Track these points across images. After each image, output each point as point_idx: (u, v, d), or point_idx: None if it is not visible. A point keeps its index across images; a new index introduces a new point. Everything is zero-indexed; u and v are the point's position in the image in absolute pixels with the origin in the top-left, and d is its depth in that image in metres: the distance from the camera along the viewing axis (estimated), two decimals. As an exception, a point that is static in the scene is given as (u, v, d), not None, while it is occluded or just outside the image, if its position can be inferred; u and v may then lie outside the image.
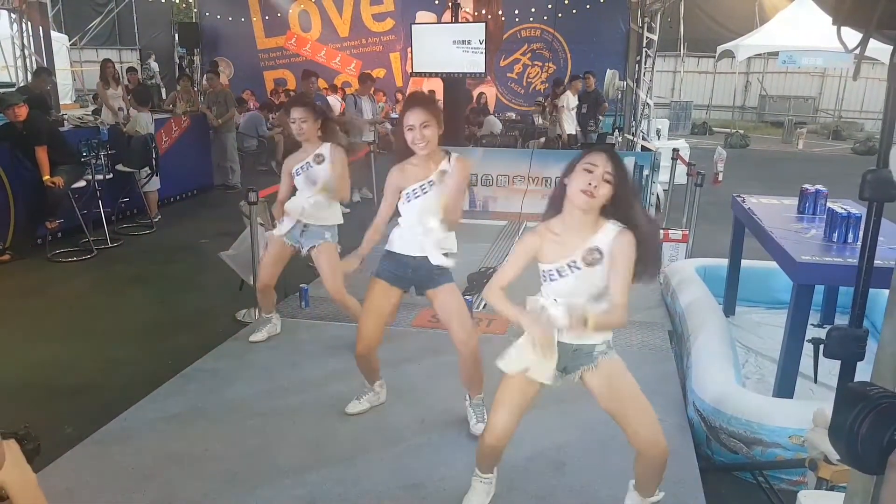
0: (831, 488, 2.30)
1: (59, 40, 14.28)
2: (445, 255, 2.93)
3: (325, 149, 3.82)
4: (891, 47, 2.19)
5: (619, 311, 2.19)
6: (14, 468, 1.17)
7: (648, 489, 2.50)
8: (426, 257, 2.93)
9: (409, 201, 2.95)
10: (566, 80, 12.30)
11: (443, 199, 2.85)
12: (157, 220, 7.76)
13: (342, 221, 3.98)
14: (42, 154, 6.09)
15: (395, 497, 2.76)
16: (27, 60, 9.50)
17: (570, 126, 10.54)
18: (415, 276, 3.04)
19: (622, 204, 2.22)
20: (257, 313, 4.72)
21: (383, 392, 3.48)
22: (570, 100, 10.56)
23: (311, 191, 3.83)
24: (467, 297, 4.65)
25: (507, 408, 2.39)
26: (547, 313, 2.23)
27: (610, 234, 2.22)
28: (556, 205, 2.31)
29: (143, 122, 7.41)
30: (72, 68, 17.31)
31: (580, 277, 2.23)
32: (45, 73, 8.56)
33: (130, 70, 11.49)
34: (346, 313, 4.15)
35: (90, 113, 8.97)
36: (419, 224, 2.91)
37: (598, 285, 2.24)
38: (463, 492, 2.71)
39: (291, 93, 13.12)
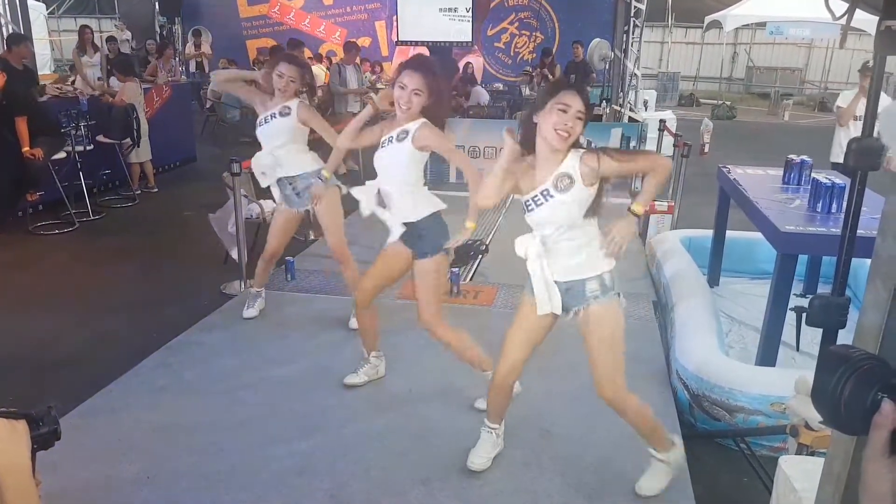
0: (812, 454, 2.34)
1: (37, 9, 13.90)
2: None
3: (293, 103, 3.75)
4: (877, 18, 2.18)
5: (655, 164, 2.32)
6: (7, 451, 1.12)
7: (654, 442, 2.57)
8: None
9: (376, 153, 2.98)
10: (554, 49, 12.18)
11: (470, 183, 2.87)
12: (154, 191, 7.79)
13: (319, 166, 3.83)
14: (22, 125, 5.96)
15: (384, 466, 2.78)
16: (3, 29, 9.25)
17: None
18: (407, 237, 3.01)
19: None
20: (242, 286, 4.70)
21: (382, 366, 3.45)
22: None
23: (272, 144, 3.78)
24: (454, 269, 4.65)
25: (517, 338, 2.51)
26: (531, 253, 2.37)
27: (576, 159, 2.30)
28: (528, 143, 2.36)
29: (131, 91, 7.28)
30: (50, 38, 16.90)
31: (554, 205, 2.31)
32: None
33: (110, 39, 11.24)
34: (343, 274, 4.01)
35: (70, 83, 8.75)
36: (384, 182, 2.96)
37: (572, 213, 2.32)
38: (451, 459, 2.74)
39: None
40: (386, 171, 2.97)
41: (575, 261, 2.39)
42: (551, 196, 2.31)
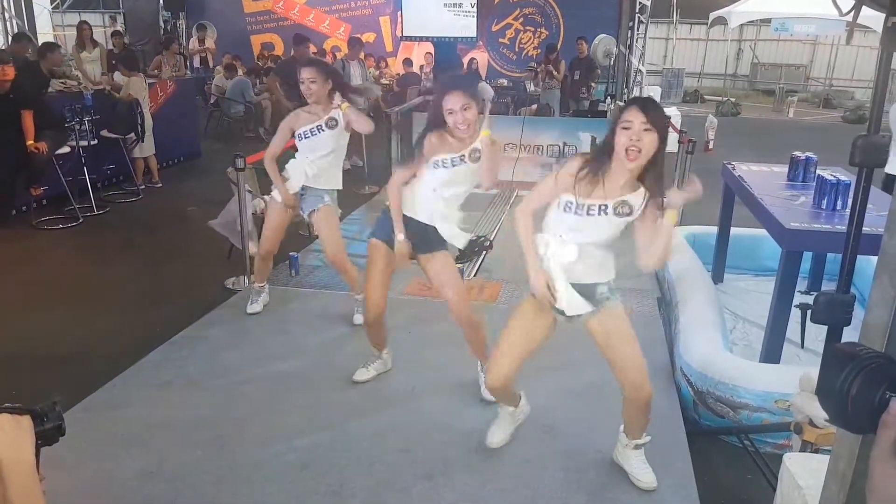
0: (816, 451, 2.34)
1: (41, 3, 13.89)
2: (461, 230, 3.07)
3: (339, 114, 3.71)
4: (884, 15, 2.16)
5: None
6: (11, 446, 1.11)
7: (635, 432, 2.63)
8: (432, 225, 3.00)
9: (436, 168, 2.93)
10: (559, 45, 12.13)
11: (487, 171, 2.91)
12: (158, 186, 7.78)
13: (341, 187, 3.92)
14: (28, 118, 5.95)
15: (386, 462, 2.78)
16: (7, 24, 9.26)
17: None
18: (414, 239, 3.04)
19: (656, 156, 2.25)
20: (246, 281, 4.70)
21: (390, 360, 3.48)
22: None
23: (315, 155, 3.75)
24: (458, 266, 4.64)
25: (513, 348, 2.52)
26: (551, 254, 2.36)
27: (640, 197, 2.32)
28: (606, 155, 2.30)
29: (136, 86, 7.28)
30: (54, 32, 16.92)
31: (606, 222, 2.33)
32: (24, 38, 8.33)
33: (115, 34, 11.24)
34: (343, 278, 4.10)
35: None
36: (439, 195, 2.95)
37: (612, 236, 2.37)
38: (454, 455, 2.75)
39: (279, 58, 12.90)
40: (458, 188, 2.98)
41: (594, 266, 2.42)
42: (606, 213, 2.32)
